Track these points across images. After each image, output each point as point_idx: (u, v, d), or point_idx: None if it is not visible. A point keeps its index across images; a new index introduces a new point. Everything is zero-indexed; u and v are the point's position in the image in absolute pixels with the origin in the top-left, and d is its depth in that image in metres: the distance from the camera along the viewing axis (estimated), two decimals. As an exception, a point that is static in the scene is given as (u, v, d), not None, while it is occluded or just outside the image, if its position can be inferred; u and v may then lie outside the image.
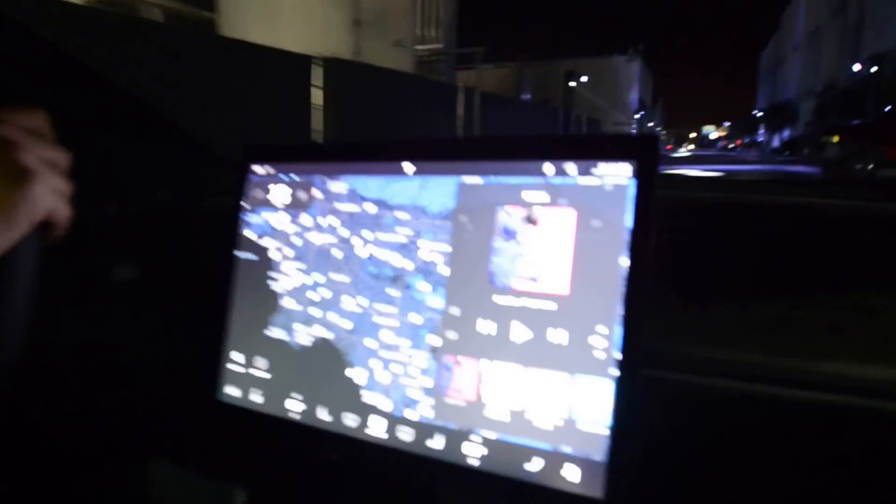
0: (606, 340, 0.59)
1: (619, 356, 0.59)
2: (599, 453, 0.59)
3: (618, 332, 0.59)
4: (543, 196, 0.64)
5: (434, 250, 0.67)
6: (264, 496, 0.77)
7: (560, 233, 0.62)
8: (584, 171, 0.62)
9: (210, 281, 0.80)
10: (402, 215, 0.70)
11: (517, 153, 0.65)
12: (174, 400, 0.83)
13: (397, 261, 0.69)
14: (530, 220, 0.64)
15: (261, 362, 0.76)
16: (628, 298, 0.59)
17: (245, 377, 0.77)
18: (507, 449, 0.62)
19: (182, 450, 0.83)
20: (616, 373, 0.59)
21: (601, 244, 0.61)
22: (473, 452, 0.64)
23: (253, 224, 0.80)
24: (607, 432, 0.59)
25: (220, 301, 0.79)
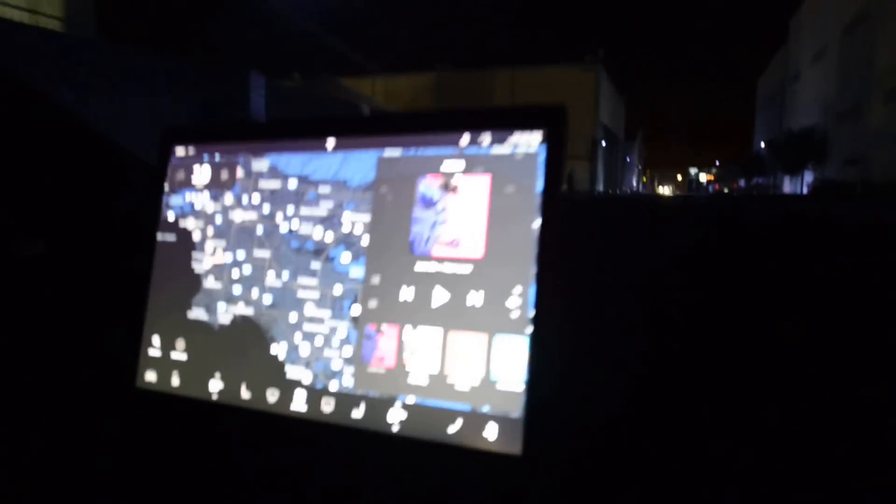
0: (521, 299, 0.62)
1: (532, 314, 0.61)
2: (517, 411, 0.61)
3: (532, 291, 0.61)
4: (460, 165, 0.66)
5: (355, 221, 0.69)
6: (188, 482, 0.77)
7: (476, 199, 0.65)
8: (498, 140, 0.65)
9: (128, 266, 0.80)
10: (324, 189, 0.71)
11: (435, 126, 0.68)
12: (89, 391, 0.82)
13: (319, 234, 0.71)
14: (448, 189, 0.66)
15: (181, 344, 0.76)
16: (541, 258, 0.62)
17: (164, 362, 0.77)
18: (428, 413, 0.64)
19: (100, 441, 0.82)
20: (530, 331, 0.61)
21: (514, 209, 0.63)
22: (395, 419, 0.65)
23: (174, 206, 0.80)
24: (524, 390, 0.61)
25: (138, 286, 0.79)
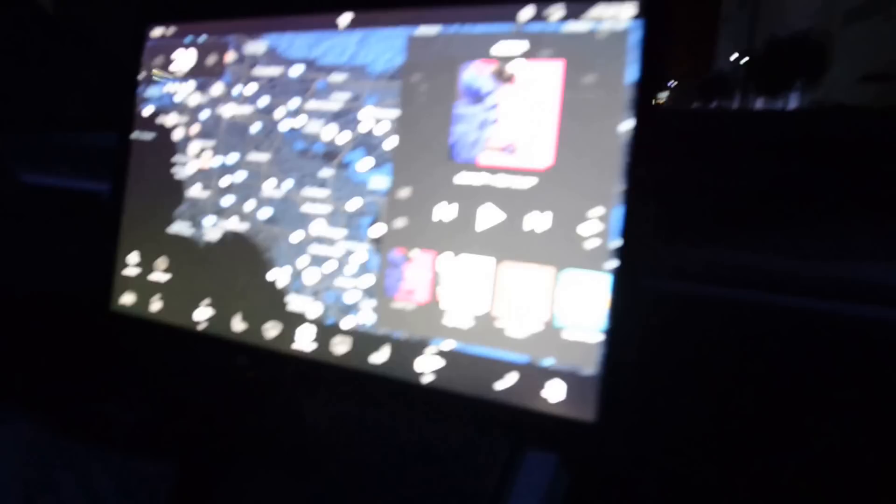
0: (602, 224, 0.35)
1: (617, 245, 0.34)
2: (590, 366, 0.35)
3: (616, 214, 0.34)
4: (520, 47, 0.38)
5: (378, 118, 0.40)
6: (171, 421, 0.49)
7: (541, 93, 0.37)
8: (573, 14, 0.36)
9: (98, 169, 0.49)
10: (336, 77, 0.42)
11: (485, -5, 0.39)
12: (61, 315, 0.53)
13: (331, 133, 0.42)
14: (502, 78, 0.38)
15: (162, 264, 0.47)
16: (630, 172, 0.34)
17: (143, 283, 0.50)
18: (470, 362, 0.38)
19: (75, 372, 0.53)
20: (613, 265, 0.34)
21: (595, 105, 0.36)
22: (428, 367, 0.38)
23: (151, 98, 0.49)
24: (601, 341, 0.34)
25: (112, 194, 0.49)
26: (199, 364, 0.49)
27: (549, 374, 0.36)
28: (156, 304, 0.49)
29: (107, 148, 0.51)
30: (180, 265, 0.48)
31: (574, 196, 0.36)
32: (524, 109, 0.38)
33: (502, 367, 0.37)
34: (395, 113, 0.41)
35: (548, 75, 0.37)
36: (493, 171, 0.38)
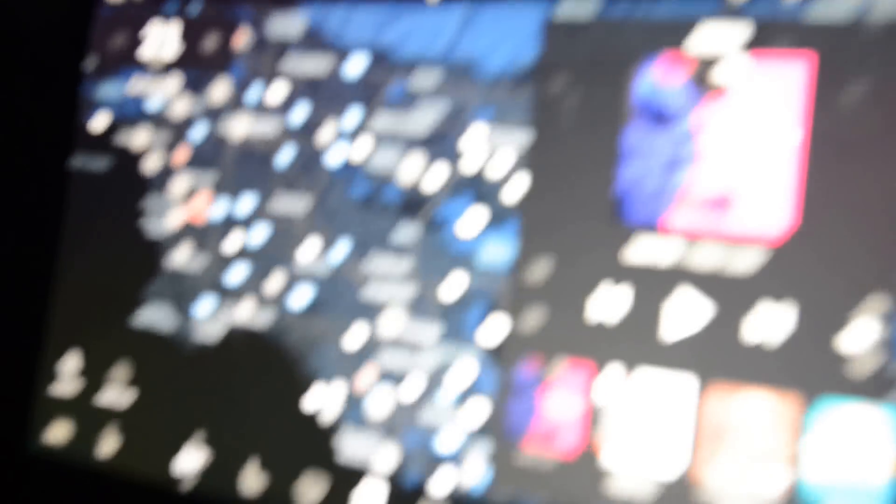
0: (883, 325, 0.38)
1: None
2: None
3: (910, 312, 0.37)
4: (737, 36, 0.41)
5: (494, 147, 0.45)
6: None
7: (775, 109, 0.40)
8: None
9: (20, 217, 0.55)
10: (424, 80, 0.47)
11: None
12: None
13: (414, 171, 0.47)
14: (707, 87, 0.41)
15: (120, 376, 0.52)
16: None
17: (87, 408, 0.54)
18: None
19: None
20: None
21: (867, 128, 0.39)
22: None
23: (106, 103, 0.55)
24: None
25: (36, 258, 0.54)
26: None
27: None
28: (108, 444, 0.52)
29: (25, 182, 0.56)
30: (153, 380, 0.51)
31: (832, 279, 0.39)
32: (745, 138, 0.41)
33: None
34: (522, 139, 0.44)
35: (784, 82, 0.41)
36: (692, 238, 0.41)
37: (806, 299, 0.39)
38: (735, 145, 0.41)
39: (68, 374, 0.53)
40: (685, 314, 0.41)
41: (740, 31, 0.41)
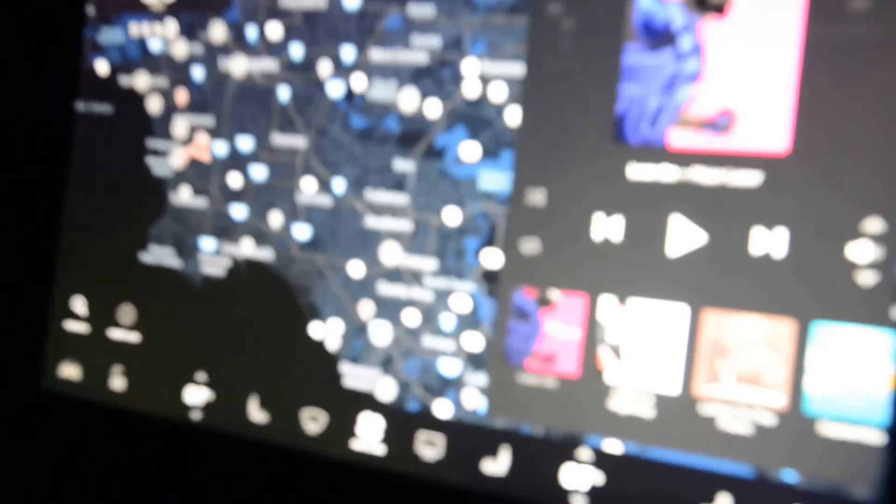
0: (880, 248, 0.37)
1: (905, 281, 0.36)
2: (863, 485, 0.37)
3: (907, 230, 0.36)
4: (730, -44, 0.40)
5: (490, 76, 0.45)
6: None
7: (770, 29, 0.39)
8: None
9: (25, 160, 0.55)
10: (420, 11, 0.46)
11: None
12: None
13: (411, 102, 0.47)
14: (708, 5, 0.40)
15: (129, 315, 0.52)
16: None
17: (97, 345, 0.54)
18: (653, 476, 0.41)
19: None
20: (903, 315, 0.36)
21: (870, 47, 0.38)
22: (579, 483, 0.42)
23: (108, 47, 0.55)
24: (881, 443, 0.36)
25: (42, 199, 0.54)
26: (192, 480, 0.52)
27: (790, 495, 0.38)
28: (118, 380, 0.52)
29: (33, 125, 0.56)
30: (160, 316, 0.52)
31: (829, 200, 0.38)
32: (744, 57, 0.40)
33: (707, 484, 0.39)
34: (519, 68, 0.43)
35: (781, 2, 0.40)
36: (688, 158, 0.40)
37: (802, 219, 0.38)
38: (735, 65, 0.40)
39: (77, 313, 0.53)
40: (680, 237, 0.40)
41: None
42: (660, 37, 0.41)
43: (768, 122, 0.39)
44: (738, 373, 0.39)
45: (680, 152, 0.40)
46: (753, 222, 0.39)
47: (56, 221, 0.54)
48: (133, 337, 0.52)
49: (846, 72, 0.38)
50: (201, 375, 0.50)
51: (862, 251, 0.37)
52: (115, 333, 0.53)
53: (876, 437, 0.36)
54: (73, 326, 0.54)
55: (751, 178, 0.39)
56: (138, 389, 0.52)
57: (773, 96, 0.39)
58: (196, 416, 0.50)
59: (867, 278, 0.37)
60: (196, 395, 0.50)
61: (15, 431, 0.56)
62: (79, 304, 0.54)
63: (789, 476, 0.38)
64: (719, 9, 0.40)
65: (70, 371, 0.54)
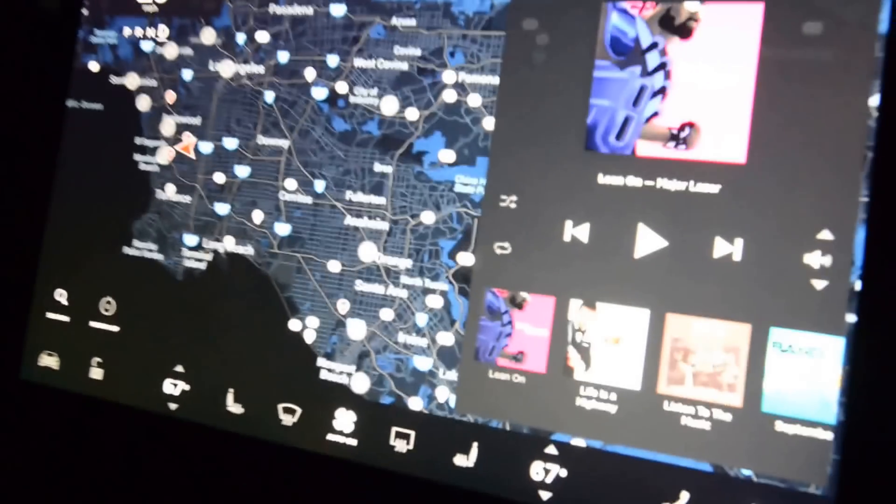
0: (829, 257, 0.38)
1: (855, 289, 0.37)
2: (816, 480, 0.38)
3: (855, 240, 0.38)
4: (697, -21, 0.42)
5: (467, 86, 0.46)
6: None
7: (730, 47, 0.41)
8: None
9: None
10: (402, 22, 0.47)
11: None
12: None
13: (391, 108, 0.49)
14: (670, 26, 0.42)
15: (110, 306, 0.53)
16: (879, 173, 0.38)
17: (77, 335, 0.54)
18: (617, 471, 0.42)
19: None
20: (849, 323, 0.37)
21: (819, 69, 0.39)
22: (546, 477, 0.43)
23: (99, 48, 0.56)
24: (831, 440, 0.38)
25: (28, 192, 0.54)
26: (168, 470, 0.52)
27: (747, 491, 0.39)
28: (97, 371, 0.52)
29: (24, 120, 0.56)
30: (141, 308, 0.52)
31: (782, 211, 0.39)
32: (703, 74, 0.41)
33: (669, 480, 0.40)
34: (493, 79, 0.45)
35: (740, 23, 0.41)
36: (652, 166, 0.41)
37: (757, 228, 0.39)
38: (694, 82, 0.41)
39: (58, 304, 0.54)
40: (645, 242, 0.41)
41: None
42: (628, 54, 0.42)
43: (728, 135, 0.40)
44: (700, 374, 0.40)
45: (644, 158, 0.41)
46: (714, 230, 0.40)
47: (42, 214, 0.54)
48: (112, 328, 0.52)
49: (799, 90, 0.39)
50: (180, 367, 0.50)
51: (817, 260, 0.38)
52: (94, 324, 0.53)
53: (825, 436, 0.37)
54: (53, 317, 0.54)
55: (711, 186, 0.40)
56: (117, 380, 0.52)
57: (730, 114, 0.40)
58: (173, 407, 0.50)
59: (821, 286, 0.38)
60: (173, 387, 0.50)
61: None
62: (59, 296, 0.54)
63: (745, 472, 0.39)
64: (683, 30, 0.41)
65: (49, 361, 0.54)
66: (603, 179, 0.42)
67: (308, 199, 0.48)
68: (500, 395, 0.44)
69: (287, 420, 0.48)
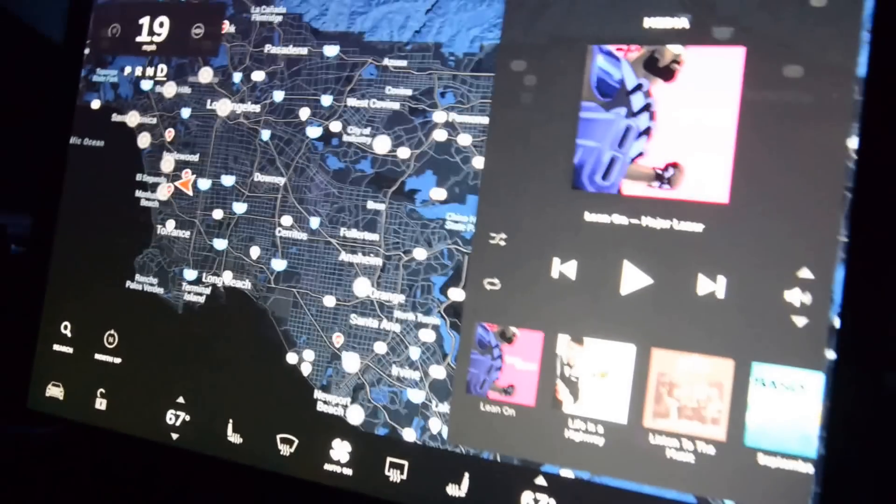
0: (809, 295, 0.38)
1: (834, 326, 0.38)
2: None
3: (834, 279, 0.38)
4: (679, 24, 0.42)
5: (458, 125, 0.46)
6: None
7: (714, 92, 0.41)
8: None
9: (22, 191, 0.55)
10: (394, 63, 0.47)
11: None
12: None
13: (383, 147, 0.48)
14: (654, 69, 0.42)
15: (113, 339, 0.53)
16: (857, 213, 0.38)
17: (82, 367, 0.55)
18: (594, 494, 0.41)
19: None
20: (829, 359, 0.38)
21: (800, 112, 0.39)
22: None
23: (102, 86, 0.56)
24: (810, 474, 0.38)
25: (34, 229, 0.54)
26: (169, 498, 0.52)
27: (730, 523, 0.39)
28: (101, 401, 0.53)
29: (26, 160, 0.56)
30: (143, 341, 0.52)
31: (764, 249, 0.39)
32: (687, 117, 0.41)
33: (651, 509, 0.40)
34: (482, 119, 0.45)
35: (722, 68, 0.41)
36: (637, 206, 0.42)
37: (738, 267, 0.40)
38: (677, 124, 0.41)
39: (63, 336, 0.54)
40: (631, 280, 0.41)
41: (680, 21, 0.42)
42: (614, 96, 0.42)
43: (711, 175, 0.40)
44: (684, 408, 0.40)
45: (630, 197, 0.42)
46: (697, 268, 0.40)
47: (48, 249, 0.54)
48: (115, 360, 0.53)
49: (780, 132, 0.39)
50: (180, 399, 0.50)
51: (797, 298, 0.38)
52: (98, 357, 0.53)
53: (808, 468, 0.38)
54: (58, 349, 0.54)
55: (694, 225, 0.40)
56: (119, 410, 0.52)
57: (713, 157, 0.40)
58: (175, 436, 0.50)
59: (802, 323, 0.38)
60: (173, 418, 0.50)
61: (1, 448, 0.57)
62: (65, 328, 0.54)
63: (728, 502, 0.39)
64: (668, 74, 0.42)
65: (55, 391, 0.54)
66: (589, 217, 0.43)
67: (303, 236, 0.48)
68: (490, 427, 0.44)
69: (285, 450, 0.48)
